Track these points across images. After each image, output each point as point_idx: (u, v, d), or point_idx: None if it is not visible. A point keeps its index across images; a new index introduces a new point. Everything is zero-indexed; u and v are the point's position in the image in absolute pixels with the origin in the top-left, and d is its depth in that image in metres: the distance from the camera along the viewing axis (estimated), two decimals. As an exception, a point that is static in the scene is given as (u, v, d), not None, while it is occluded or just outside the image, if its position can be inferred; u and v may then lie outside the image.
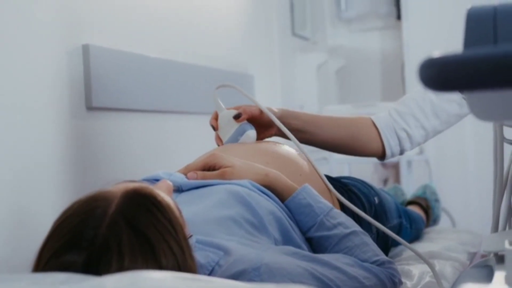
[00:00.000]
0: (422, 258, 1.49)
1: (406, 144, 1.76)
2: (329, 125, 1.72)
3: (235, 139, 1.64)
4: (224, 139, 1.66)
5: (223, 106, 1.68)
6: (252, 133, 1.65)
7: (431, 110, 1.72)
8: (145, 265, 0.90)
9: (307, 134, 1.70)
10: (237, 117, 1.64)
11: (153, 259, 0.91)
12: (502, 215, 1.33)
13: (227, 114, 1.66)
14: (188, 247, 0.98)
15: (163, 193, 1.01)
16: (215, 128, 1.68)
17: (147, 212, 0.95)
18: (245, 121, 1.65)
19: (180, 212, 1.02)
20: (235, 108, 1.67)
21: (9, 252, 1.40)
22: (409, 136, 1.74)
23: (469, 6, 0.89)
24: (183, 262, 0.95)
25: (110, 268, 0.88)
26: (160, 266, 0.91)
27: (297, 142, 1.58)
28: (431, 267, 1.49)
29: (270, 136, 1.72)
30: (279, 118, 1.64)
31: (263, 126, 1.68)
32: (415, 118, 1.74)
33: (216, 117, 1.68)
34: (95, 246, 0.89)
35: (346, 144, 1.74)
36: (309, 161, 1.59)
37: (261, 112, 1.64)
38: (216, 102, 1.68)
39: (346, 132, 1.73)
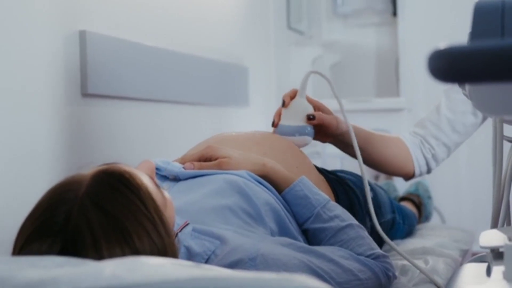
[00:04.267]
0: (407, 259, 1.50)
1: (432, 163, 1.82)
2: (380, 144, 1.73)
3: (292, 131, 1.63)
4: (283, 121, 1.65)
5: (306, 93, 1.66)
6: (309, 140, 1.65)
7: (448, 127, 1.77)
8: (120, 246, 0.89)
9: (362, 152, 1.69)
10: (310, 117, 1.62)
11: (125, 240, 0.90)
12: (496, 211, 1.33)
13: (304, 105, 1.64)
14: (165, 225, 0.96)
15: (136, 172, 0.99)
16: (284, 105, 1.65)
17: (115, 192, 0.94)
18: (312, 126, 1.64)
19: (159, 190, 1.01)
20: (316, 104, 1.65)
21: (3, 238, 1.38)
22: (434, 156, 1.80)
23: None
24: (159, 242, 0.93)
25: (87, 251, 0.87)
26: (134, 247, 0.90)
27: (362, 163, 1.58)
28: (417, 266, 1.50)
29: (324, 142, 1.73)
30: (342, 133, 1.65)
31: (323, 131, 1.67)
32: (435, 137, 1.79)
33: (293, 96, 1.66)
34: (67, 230, 0.88)
35: (389, 163, 1.77)
36: (360, 168, 1.58)
37: (336, 124, 1.63)
38: (303, 85, 1.65)
39: (390, 151, 1.76)
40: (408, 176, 1.82)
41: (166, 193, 1.04)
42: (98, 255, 0.87)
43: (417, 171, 1.80)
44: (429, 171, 1.83)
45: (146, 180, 0.99)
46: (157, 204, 0.97)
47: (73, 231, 0.88)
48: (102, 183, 0.94)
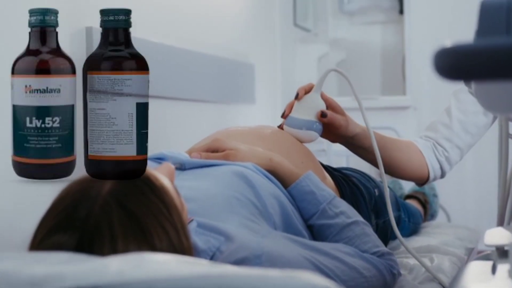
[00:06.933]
0: (415, 256, 1.50)
1: (446, 166, 1.77)
2: (393, 148, 1.69)
3: (300, 125, 1.60)
4: (293, 114, 1.62)
5: (321, 90, 1.62)
6: (315, 136, 1.61)
7: (460, 128, 1.73)
8: (138, 246, 0.89)
9: (372, 155, 1.65)
10: (322, 114, 1.59)
11: (145, 241, 0.90)
12: (502, 209, 1.33)
13: (317, 101, 1.61)
14: (184, 229, 0.97)
15: (159, 175, 1.00)
16: (297, 97, 1.61)
17: (139, 193, 0.94)
18: (321, 123, 1.61)
19: (178, 195, 1.01)
20: (329, 103, 1.62)
21: (6, 236, 1.39)
22: (447, 158, 1.76)
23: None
24: (178, 245, 0.94)
25: (103, 249, 0.87)
26: (153, 248, 0.90)
27: (382, 168, 1.57)
28: (423, 264, 1.50)
29: (333, 142, 1.70)
30: (352, 136, 1.63)
31: (332, 132, 1.64)
32: (448, 140, 1.75)
33: (308, 90, 1.62)
34: (87, 226, 0.88)
35: (402, 167, 1.72)
36: (381, 176, 1.57)
37: (346, 126, 1.61)
38: (320, 81, 1.61)
39: (404, 155, 1.72)
40: (422, 181, 1.77)
41: (182, 199, 1.04)
42: (114, 253, 0.87)
43: (431, 175, 1.75)
44: (443, 175, 1.78)
45: (168, 184, 0.99)
46: (178, 209, 0.97)
47: (93, 228, 0.88)
48: (126, 183, 0.95)
